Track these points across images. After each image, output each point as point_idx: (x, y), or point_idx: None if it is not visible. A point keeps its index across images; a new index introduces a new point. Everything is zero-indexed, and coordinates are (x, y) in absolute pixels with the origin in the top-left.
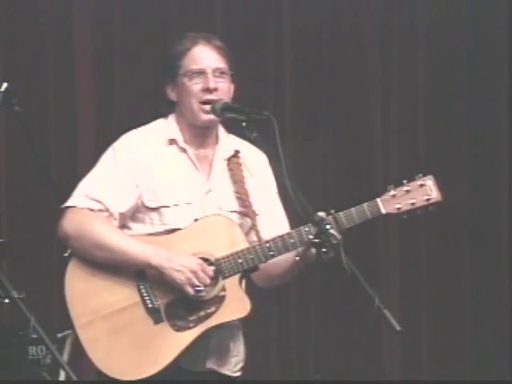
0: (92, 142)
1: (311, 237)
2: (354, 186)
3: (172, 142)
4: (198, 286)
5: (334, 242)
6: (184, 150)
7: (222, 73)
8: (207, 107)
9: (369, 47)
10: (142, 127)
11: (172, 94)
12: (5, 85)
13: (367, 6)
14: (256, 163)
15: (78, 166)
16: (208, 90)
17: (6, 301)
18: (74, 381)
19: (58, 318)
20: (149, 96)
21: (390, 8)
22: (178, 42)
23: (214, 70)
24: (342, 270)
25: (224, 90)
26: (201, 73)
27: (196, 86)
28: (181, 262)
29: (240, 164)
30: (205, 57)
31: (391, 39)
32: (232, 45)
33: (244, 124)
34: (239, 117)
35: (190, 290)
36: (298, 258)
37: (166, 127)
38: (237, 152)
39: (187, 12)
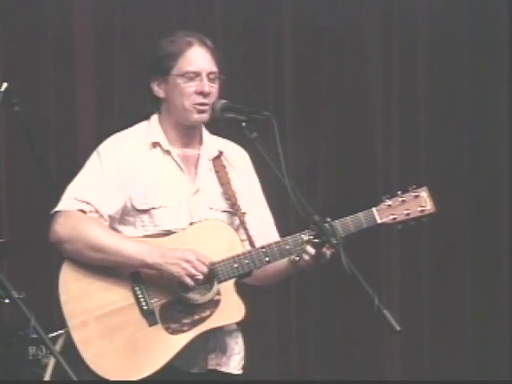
0: (92, 142)
1: (311, 237)
2: (354, 186)
3: (155, 144)
4: (196, 276)
5: (334, 242)
6: (168, 152)
7: (215, 77)
8: (200, 107)
9: (369, 47)
10: (125, 131)
11: (159, 91)
12: (5, 85)
13: (367, 5)
14: (239, 162)
15: (78, 165)
16: (202, 94)
17: (6, 301)
18: (74, 381)
19: (58, 318)
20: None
21: (390, 7)
22: (170, 40)
23: (208, 74)
24: (342, 270)
25: (215, 94)
26: (196, 75)
27: (190, 88)
28: (174, 255)
29: (224, 166)
30: (201, 59)
31: (391, 39)
32: (232, 45)
33: (244, 124)
34: (239, 117)
35: (189, 281)
36: (297, 258)
37: (148, 130)
38: (221, 153)
39: (187, 12)
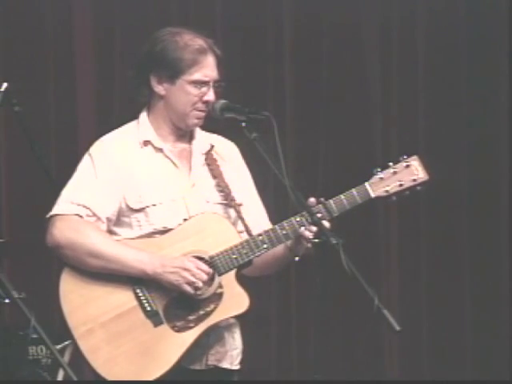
0: (92, 142)
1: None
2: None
3: (147, 143)
4: (195, 283)
5: (334, 242)
6: (160, 150)
7: (218, 85)
8: (201, 113)
9: (369, 46)
10: (115, 131)
11: (159, 88)
12: (5, 85)
13: (367, 5)
14: (230, 155)
15: None
16: (206, 102)
17: (6, 301)
18: (74, 381)
19: (59, 318)
20: None
21: (389, 7)
22: (185, 44)
23: (214, 82)
24: (342, 270)
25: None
26: (205, 84)
27: (197, 95)
28: (173, 264)
29: (215, 159)
30: (211, 69)
31: (391, 38)
32: (232, 44)
33: (244, 124)
34: (239, 117)
35: (188, 289)
36: (297, 259)
37: (138, 129)
38: (212, 146)
39: (187, 12)
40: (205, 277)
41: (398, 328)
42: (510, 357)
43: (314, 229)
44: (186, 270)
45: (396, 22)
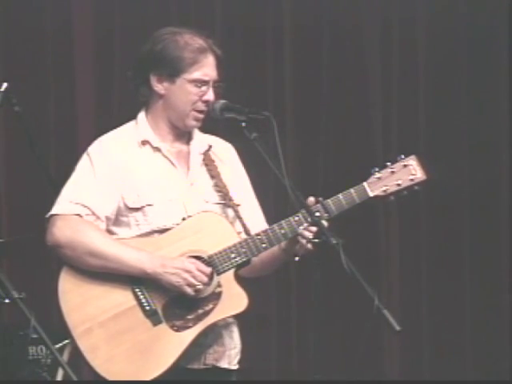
0: (91, 142)
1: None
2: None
3: (145, 142)
4: (196, 285)
5: (334, 242)
6: (158, 149)
7: (217, 85)
8: (199, 115)
9: (369, 46)
10: (113, 131)
11: (159, 86)
12: (5, 85)
13: (367, 5)
14: (227, 155)
15: None
16: (206, 102)
17: (6, 301)
18: (74, 381)
19: (59, 317)
20: None
21: (390, 7)
22: (185, 43)
23: (214, 82)
24: (342, 270)
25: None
26: (205, 83)
27: (197, 94)
28: (174, 265)
29: (213, 160)
30: (211, 68)
31: (391, 38)
32: (232, 45)
33: (244, 124)
34: (239, 117)
35: (189, 290)
36: (297, 259)
37: (136, 129)
38: (210, 147)
39: (187, 12)
40: (205, 279)
41: (398, 328)
42: (510, 357)
43: (314, 229)
44: (186, 271)
45: (396, 21)
